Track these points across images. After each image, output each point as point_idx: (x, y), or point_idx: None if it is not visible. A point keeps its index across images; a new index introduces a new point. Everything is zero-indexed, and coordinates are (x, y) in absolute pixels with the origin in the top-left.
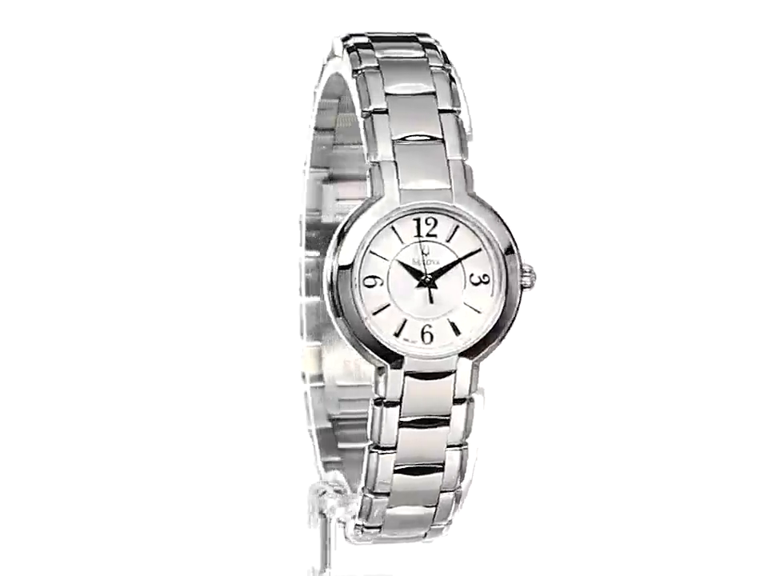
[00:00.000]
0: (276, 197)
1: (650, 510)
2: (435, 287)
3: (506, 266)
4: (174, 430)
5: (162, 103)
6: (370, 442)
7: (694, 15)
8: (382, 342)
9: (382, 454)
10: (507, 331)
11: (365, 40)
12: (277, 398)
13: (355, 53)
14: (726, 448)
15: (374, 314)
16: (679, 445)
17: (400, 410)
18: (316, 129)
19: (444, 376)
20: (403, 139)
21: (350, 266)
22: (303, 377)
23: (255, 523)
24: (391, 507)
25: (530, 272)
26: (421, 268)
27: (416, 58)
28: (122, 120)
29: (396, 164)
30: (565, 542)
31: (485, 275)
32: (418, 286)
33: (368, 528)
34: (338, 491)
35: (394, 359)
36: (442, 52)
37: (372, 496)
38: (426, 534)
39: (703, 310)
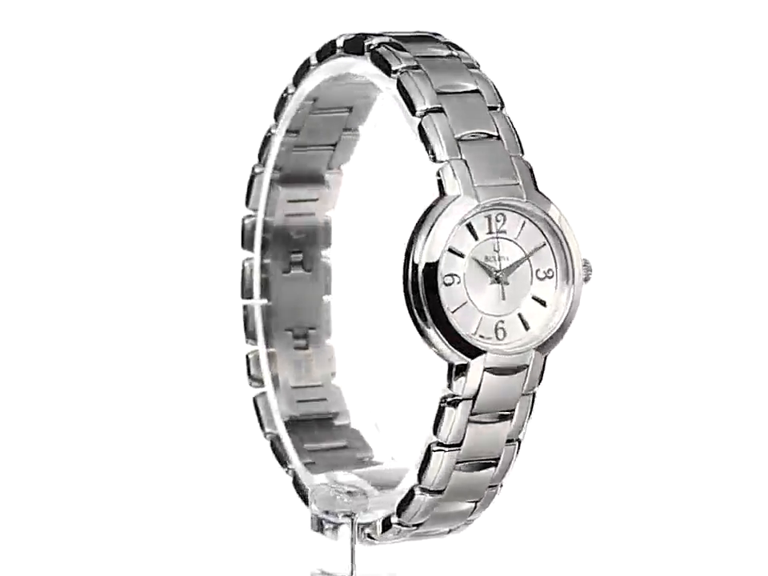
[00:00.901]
0: (202, 198)
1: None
2: (507, 283)
3: (571, 260)
4: (116, 439)
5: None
6: (434, 440)
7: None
8: (465, 338)
9: (447, 451)
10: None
11: (387, 39)
12: (228, 403)
13: (388, 51)
14: None
15: (453, 311)
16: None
17: (472, 407)
18: (288, 131)
19: (519, 371)
20: (465, 137)
21: (436, 264)
22: (260, 381)
23: (217, 534)
24: (438, 504)
25: (585, 265)
26: (493, 265)
27: (448, 56)
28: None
29: (466, 162)
30: (569, 544)
31: (549, 270)
32: (492, 282)
33: (407, 526)
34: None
35: (476, 355)
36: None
37: (426, 494)
38: (450, 530)
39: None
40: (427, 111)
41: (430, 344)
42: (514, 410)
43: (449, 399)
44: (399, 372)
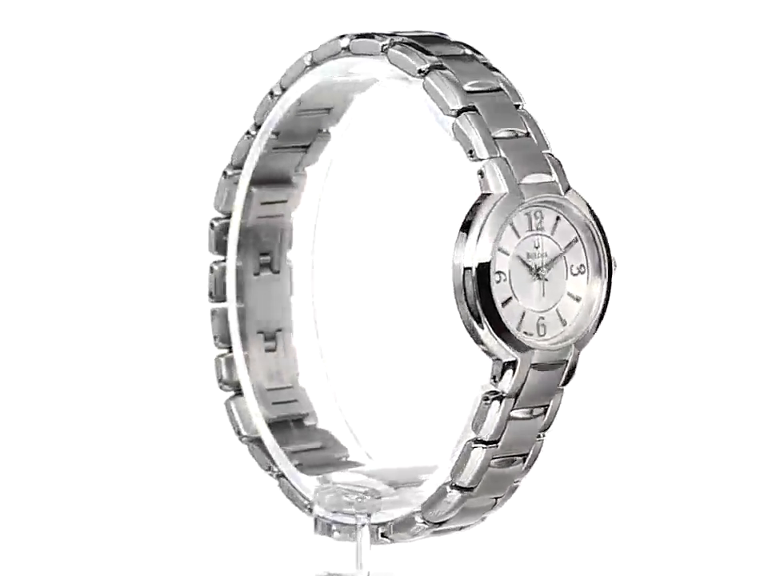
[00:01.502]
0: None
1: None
2: (546, 280)
3: (603, 255)
4: (93, 447)
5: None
6: (472, 437)
7: None
8: (516, 335)
9: (486, 448)
10: None
11: (400, 39)
12: (190, 408)
13: (410, 51)
14: None
15: (502, 308)
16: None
17: (514, 403)
18: (273, 133)
19: (560, 366)
20: (501, 135)
21: (488, 263)
22: (232, 384)
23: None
24: (467, 501)
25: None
26: (534, 261)
27: (465, 55)
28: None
29: (506, 160)
30: (571, 544)
31: (581, 265)
32: (533, 279)
33: (431, 524)
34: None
35: (525, 352)
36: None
37: (456, 491)
38: (461, 528)
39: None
40: (461, 110)
41: (479, 341)
42: (548, 406)
43: (492, 396)
44: (366, 371)
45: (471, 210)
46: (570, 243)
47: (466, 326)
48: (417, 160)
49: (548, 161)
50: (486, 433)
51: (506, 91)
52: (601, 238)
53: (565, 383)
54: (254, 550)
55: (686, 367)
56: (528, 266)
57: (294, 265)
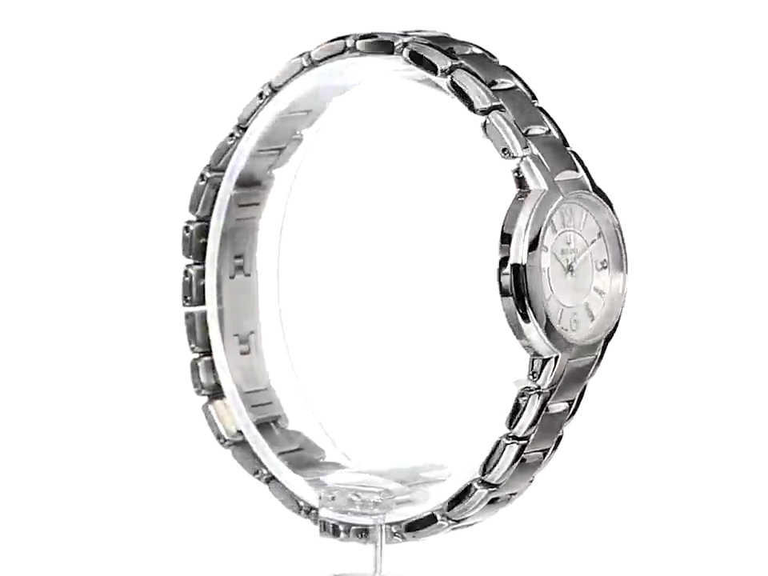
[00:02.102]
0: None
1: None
2: (578, 275)
3: (624, 250)
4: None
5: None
6: (506, 433)
7: None
8: (559, 331)
9: (518, 444)
10: None
11: (412, 38)
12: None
13: (430, 50)
14: None
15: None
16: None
17: (548, 398)
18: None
19: (591, 360)
20: (533, 133)
21: (536, 259)
22: (211, 388)
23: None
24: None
25: None
26: (567, 257)
27: (476, 54)
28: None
29: (539, 157)
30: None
31: (604, 260)
32: (566, 275)
33: (455, 521)
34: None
35: (566, 348)
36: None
37: (483, 488)
38: (470, 524)
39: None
40: (490, 109)
41: (522, 336)
42: (574, 399)
43: (529, 392)
44: (337, 371)
45: (514, 206)
46: (594, 239)
47: (509, 322)
48: (393, 161)
49: (572, 157)
50: (521, 429)
51: (523, 89)
52: (621, 234)
53: (590, 377)
54: (249, 555)
55: (689, 368)
56: (563, 261)
57: (261, 267)
